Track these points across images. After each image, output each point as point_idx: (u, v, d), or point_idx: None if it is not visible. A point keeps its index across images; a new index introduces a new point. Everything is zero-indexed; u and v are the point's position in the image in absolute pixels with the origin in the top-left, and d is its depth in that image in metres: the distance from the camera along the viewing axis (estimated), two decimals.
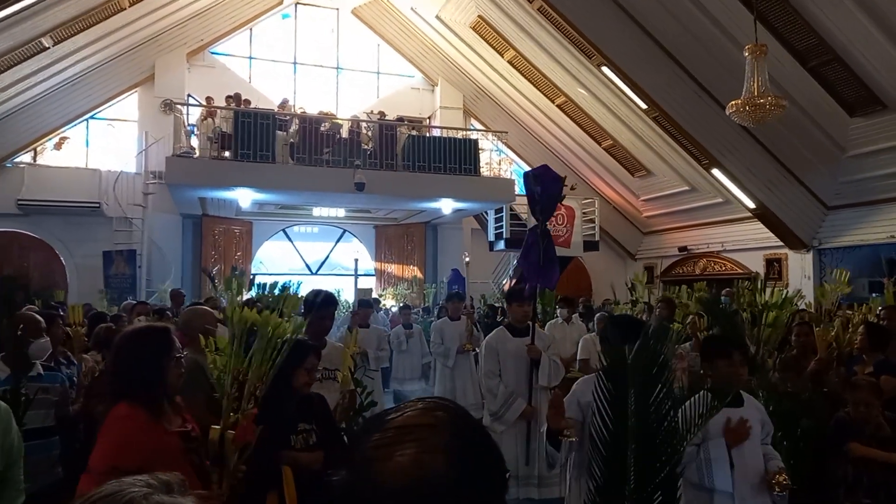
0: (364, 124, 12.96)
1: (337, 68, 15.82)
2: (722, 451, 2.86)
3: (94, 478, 1.94)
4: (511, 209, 14.41)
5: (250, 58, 15.29)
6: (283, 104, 13.09)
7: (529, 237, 4.35)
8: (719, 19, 9.56)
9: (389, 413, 0.86)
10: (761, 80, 8.24)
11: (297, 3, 15.45)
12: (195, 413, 2.59)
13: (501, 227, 14.58)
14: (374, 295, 14.32)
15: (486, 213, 15.12)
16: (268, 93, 14.50)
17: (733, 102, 8.37)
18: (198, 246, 13.82)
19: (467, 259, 9.12)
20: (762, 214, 11.69)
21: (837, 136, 10.27)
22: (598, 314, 7.60)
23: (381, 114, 13.62)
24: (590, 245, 14.93)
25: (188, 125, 12.40)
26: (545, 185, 4.29)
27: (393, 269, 15.47)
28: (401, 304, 10.94)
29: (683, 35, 10.26)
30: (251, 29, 15.17)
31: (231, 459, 2.39)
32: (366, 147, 12.39)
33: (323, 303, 4.07)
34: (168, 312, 7.17)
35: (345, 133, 12.45)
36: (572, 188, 5.60)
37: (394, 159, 12.44)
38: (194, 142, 12.09)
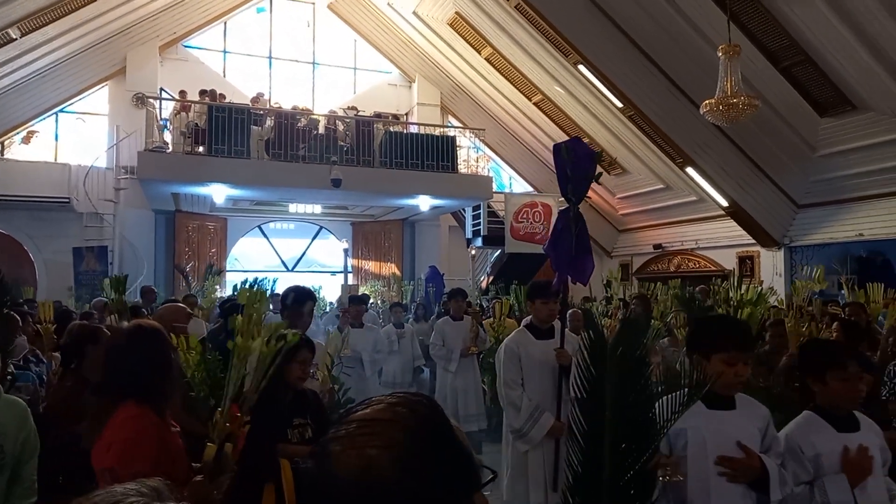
0: (340, 120, 12.87)
1: (313, 63, 15.69)
2: (845, 489, 2.28)
3: (120, 480, 1.91)
4: (489, 206, 14.46)
5: (224, 52, 15.08)
6: (257, 99, 12.95)
7: (559, 222, 3.71)
8: (694, 19, 9.67)
9: (358, 406, 0.88)
10: (734, 79, 8.38)
11: None
12: (174, 413, 2.57)
13: (479, 224, 14.62)
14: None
15: (464, 210, 15.14)
16: (242, 87, 14.34)
17: (707, 102, 8.49)
18: (171, 242, 13.61)
19: (473, 252, 8.85)
20: (735, 213, 11.87)
21: (808, 136, 10.47)
22: (569, 311, 7.56)
23: (358, 110, 13.55)
24: None
25: (161, 119, 12.20)
26: (577, 162, 3.67)
27: (370, 266, 15.41)
28: (392, 302, 10.39)
29: (659, 34, 10.36)
30: (225, 22, 14.97)
31: (230, 469, 2.37)
32: (342, 143, 12.31)
33: (300, 298, 4.04)
34: (142, 310, 7.05)
35: (321, 129, 12.36)
36: (610, 164, 4.86)
37: (371, 156, 12.38)
38: (167, 136, 11.90)
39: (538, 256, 15.10)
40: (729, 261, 13.02)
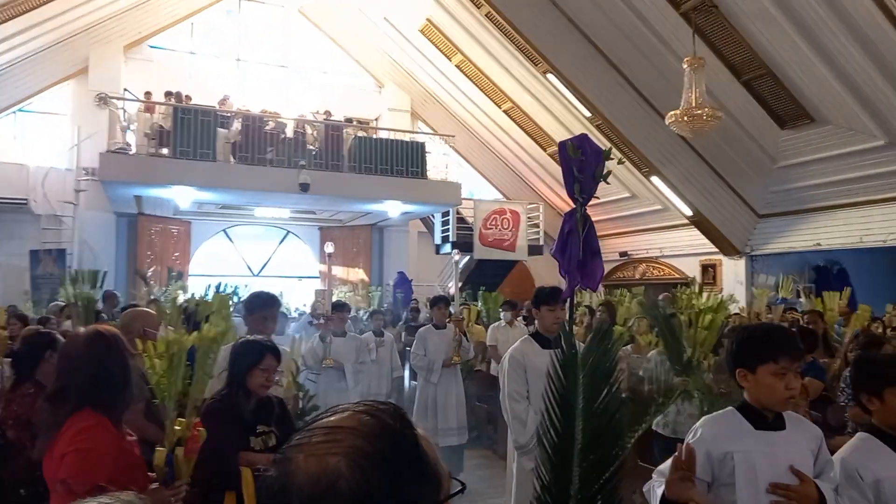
0: (309, 124, 12.78)
1: (282, 67, 15.54)
2: None
3: (78, 496, 1.85)
4: (458, 212, 14.49)
5: (191, 53, 14.86)
6: (224, 101, 12.77)
7: (565, 224, 3.57)
8: (660, 32, 9.86)
9: (324, 413, 0.87)
10: (699, 91, 8.57)
11: None
12: (133, 421, 2.51)
13: (448, 230, 14.64)
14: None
15: (433, 216, 15.15)
16: (209, 89, 14.12)
17: (672, 113, 8.67)
18: (132, 246, 13.31)
19: (457, 256, 8.59)
20: (698, 221, 12.10)
21: (769, 148, 10.74)
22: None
23: (328, 114, 13.46)
24: (534, 249, 15.16)
25: (124, 120, 11.95)
26: (585, 159, 3.53)
27: (338, 271, 15.30)
28: (372, 309, 10.02)
29: (627, 46, 10.54)
30: (192, 23, 14.74)
31: (185, 474, 2.31)
32: (311, 147, 12.21)
33: (263, 304, 3.99)
34: (102, 315, 6.88)
35: (289, 132, 12.25)
36: (620, 162, 4.39)
37: (340, 160, 12.31)
38: (130, 137, 11.65)
39: (506, 263, 15.21)
40: (692, 268, 13.27)
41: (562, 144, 3.48)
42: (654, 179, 12.04)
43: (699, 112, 8.39)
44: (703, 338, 4.58)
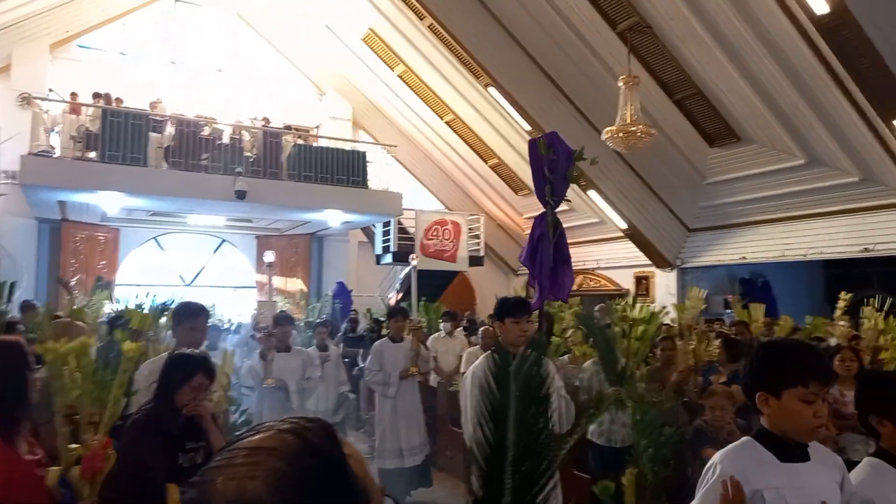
0: (247, 130, 12.49)
1: (219, 71, 15.17)
2: None
3: None
4: (399, 223, 14.44)
5: (122, 54, 14.32)
6: (156, 104, 12.34)
7: (536, 229, 3.14)
8: (598, 50, 10.15)
9: (247, 432, 0.83)
10: (633, 109, 8.85)
11: (179, 0, 14.69)
12: (47, 437, 2.35)
13: (389, 240, 14.57)
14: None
15: (374, 225, 15.04)
16: (141, 92, 13.62)
17: (608, 129, 8.92)
18: (55, 254, 12.63)
19: (415, 262, 7.63)
20: (633, 234, 12.45)
21: (698, 164, 11.17)
22: (482, 328, 7.66)
23: (266, 120, 13.21)
24: (475, 260, 15.26)
25: (48, 122, 11.37)
26: (556, 159, 3.12)
27: (276, 281, 14.96)
28: (319, 319, 9.45)
29: (565, 62, 10.80)
30: (124, 23, 14.22)
31: (84, 494, 2.17)
32: (248, 154, 11.93)
33: (191, 313, 3.85)
34: (19, 326, 6.47)
35: (226, 139, 11.94)
36: (592, 163, 4.10)
37: (278, 168, 12.08)
38: (55, 140, 11.09)
39: (448, 273, 15.23)
40: (627, 280, 13.62)
41: (532, 142, 3.20)
42: (591, 193, 12.33)
43: (634, 129, 8.66)
44: (636, 348, 4.69)
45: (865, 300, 6.67)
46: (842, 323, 6.85)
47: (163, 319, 5.77)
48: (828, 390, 1.86)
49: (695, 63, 9.44)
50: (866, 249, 9.65)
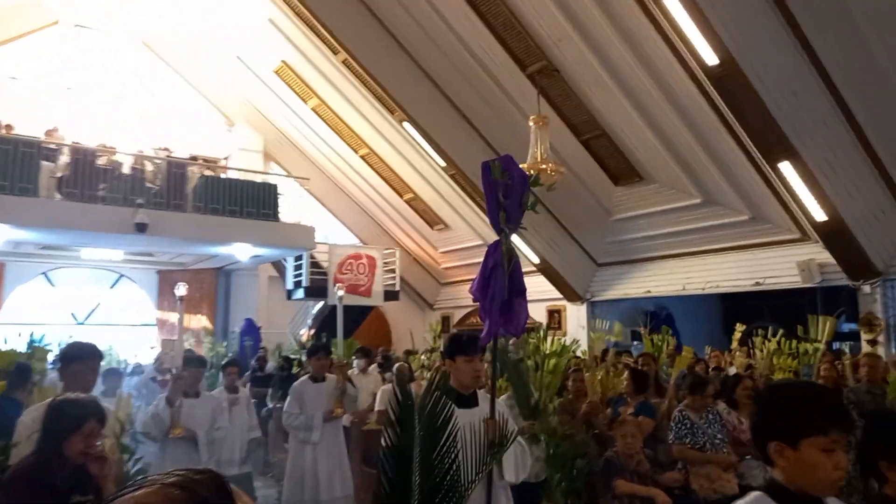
0: (149, 160, 11.93)
1: (121, 99, 14.48)
2: None
3: None
4: (312, 257, 14.14)
5: (13, 78, 13.42)
6: (51, 132, 11.61)
7: (489, 259, 2.98)
8: (509, 91, 10.48)
9: (129, 487, 0.76)
10: (543, 147, 9.16)
11: (78, 25, 13.98)
12: None
13: (301, 275, 14.22)
14: (155, 348, 13.01)
15: (285, 260, 14.66)
16: (35, 118, 12.76)
17: (520, 167, 9.15)
18: None
19: (340, 292, 6.92)
20: (545, 269, 12.76)
21: (605, 202, 11.65)
22: (396, 364, 7.54)
23: (169, 151, 12.68)
24: (390, 294, 15.13)
25: None
26: (512, 184, 3.02)
27: (177, 318, 14.21)
28: (225, 359, 8.75)
29: (479, 102, 11.08)
30: (17, 46, 13.36)
31: None
32: (151, 185, 11.38)
33: (82, 354, 3.56)
34: None
35: (126, 169, 11.35)
36: (549, 189, 3.84)
37: (183, 200, 11.57)
38: None
39: (362, 309, 15.00)
40: (540, 313, 13.88)
41: (485, 165, 3.04)
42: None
43: (544, 167, 8.95)
44: (548, 381, 4.73)
45: (757, 331, 7.09)
46: (739, 353, 7.24)
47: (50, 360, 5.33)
48: (845, 438, 1.66)
49: (600, 106, 9.92)
50: (757, 283, 10.31)
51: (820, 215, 8.42)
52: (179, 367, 5.18)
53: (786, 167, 8.05)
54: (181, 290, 5.11)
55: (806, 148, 7.82)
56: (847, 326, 11.05)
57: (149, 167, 11.70)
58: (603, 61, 8.97)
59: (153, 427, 4.87)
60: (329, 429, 5.46)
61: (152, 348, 13.00)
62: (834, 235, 8.67)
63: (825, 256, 9.22)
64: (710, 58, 7.27)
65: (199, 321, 14.10)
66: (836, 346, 10.25)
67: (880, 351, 8.49)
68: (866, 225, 8.53)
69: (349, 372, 7.84)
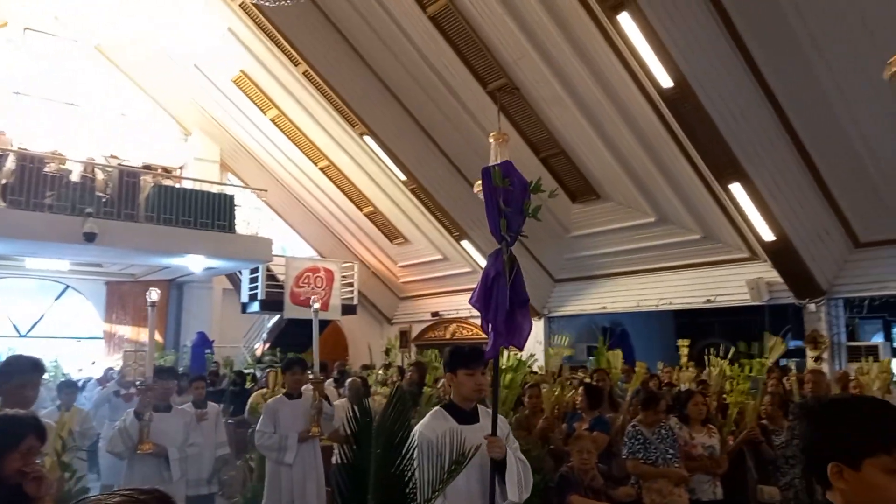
0: (100, 169, 11.58)
1: (71, 105, 14.05)
2: None
3: None
4: (268, 269, 13.91)
5: None
6: None
7: (491, 268, 2.90)
8: (470, 107, 10.57)
9: None
10: None
11: (27, 28, 13.54)
12: None
13: (257, 288, 13.96)
14: (107, 363, 12.57)
15: (240, 272, 14.38)
16: None
17: (479, 182, 9.21)
18: None
19: (316, 305, 6.73)
20: None
21: (563, 219, 11.81)
22: (349, 379, 7.40)
23: (116, 158, 12.33)
24: (348, 309, 14.98)
25: None
26: (513, 192, 2.91)
27: (127, 331, 13.77)
28: (194, 374, 8.54)
29: (440, 117, 11.14)
30: None
31: None
32: (101, 194, 11.03)
33: (23, 369, 3.40)
34: None
35: (76, 177, 10.98)
36: (552, 195, 3.71)
37: (135, 209, 11.25)
38: None
39: (319, 322, 14.79)
40: None
41: (486, 171, 2.94)
42: (464, 243, 12.62)
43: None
44: (504, 397, 4.73)
45: (709, 348, 7.25)
46: (687, 369, 7.38)
47: None
48: None
49: (559, 125, 10.08)
50: (709, 301, 10.58)
51: (768, 235, 8.70)
52: (148, 379, 4.82)
53: (736, 188, 8.32)
54: (153, 295, 4.79)
55: (755, 170, 8.10)
56: (793, 343, 11.41)
57: (99, 175, 11.34)
58: (562, 81, 9.14)
59: (120, 443, 4.61)
60: (306, 450, 5.17)
61: (93, 363, 12.56)
62: (781, 255, 8.97)
63: (773, 275, 9.52)
64: (665, 80, 7.48)
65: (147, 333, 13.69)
66: (782, 362, 10.57)
67: (825, 367, 8.79)
68: (811, 245, 8.86)
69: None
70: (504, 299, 2.76)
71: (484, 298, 2.80)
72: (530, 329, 2.85)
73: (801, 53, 7.25)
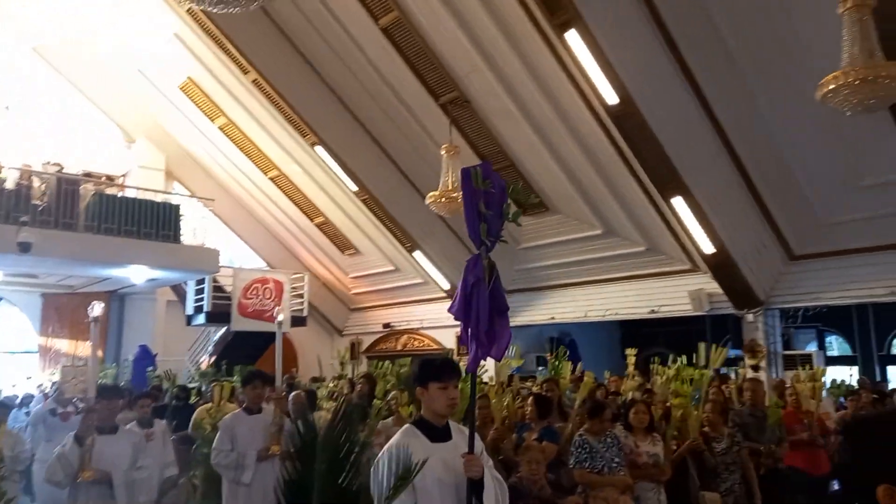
0: (37, 176, 11.12)
1: (5, 108, 13.44)
2: None
3: None
4: (215, 280, 13.59)
5: None
6: None
7: (469, 274, 2.77)
8: (421, 119, 10.62)
9: None
10: (455, 176, 9.31)
11: None
12: None
13: (202, 299, 13.61)
14: (43, 377, 12.03)
15: (186, 284, 14.00)
16: None
17: (431, 194, 9.29)
18: None
19: (280, 317, 6.40)
20: (454, 295, 12.89)
21: (513, 231, 11.94)
22: (293, 392, 7.23)
23: (58, 166, 11.88)
24: (298, 320, 14.75)
25: None
26: (494, 194, 2.83)
27: (64, 345, 13.20)
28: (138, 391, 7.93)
29: (391, 128, 11.15)
30: None
31: None
32: (37, 202, 10.60)
33: None
34: None
35: (10, 184, 10.53)
36: (528, 199, 3.57)
37: (74, 218, 10.85)
38: None
39: (267, 335, 14.51)
40: (449, 340, 13.94)
41: (465, 172, 2.82)
42: (416, 254, 12.62)
43: (455, 195, 9.10)
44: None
45: (654, 358, 7.44)
46: (631, 378, 7.55)
47: None
48: None
49: (508, 138, 10.21)
50: (652, 311, 10.85)
51: (708, 248, 9.01)
52: (90, 400, 4.45)
53: (678, 202, 8.59)
54: (96, 309, 4.50)
55: (696, 184, 8.39)
56: (733, 352, 11.80)
57: (36, 183, 10.91)
58: (512, 95, 9.27)
59: (59, 471, 4.23)
60: (265, 468, 4.83)
61: (29, 378, 11.99)
62: (721, 267, 9.29)
63: (713, 286, 9.85)
64: (611, 97, 7.69)
65: (88, 348, 13.16)
66: (722, 370, 10.92)
67: (762, 376, 9.13)
68: (749, 258, 9.21)
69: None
70: (485, 307, 2.66)
71: (464, 308, 2.69)
72: (510, 339, 2.77)
73: (741, 75, 7.57)
